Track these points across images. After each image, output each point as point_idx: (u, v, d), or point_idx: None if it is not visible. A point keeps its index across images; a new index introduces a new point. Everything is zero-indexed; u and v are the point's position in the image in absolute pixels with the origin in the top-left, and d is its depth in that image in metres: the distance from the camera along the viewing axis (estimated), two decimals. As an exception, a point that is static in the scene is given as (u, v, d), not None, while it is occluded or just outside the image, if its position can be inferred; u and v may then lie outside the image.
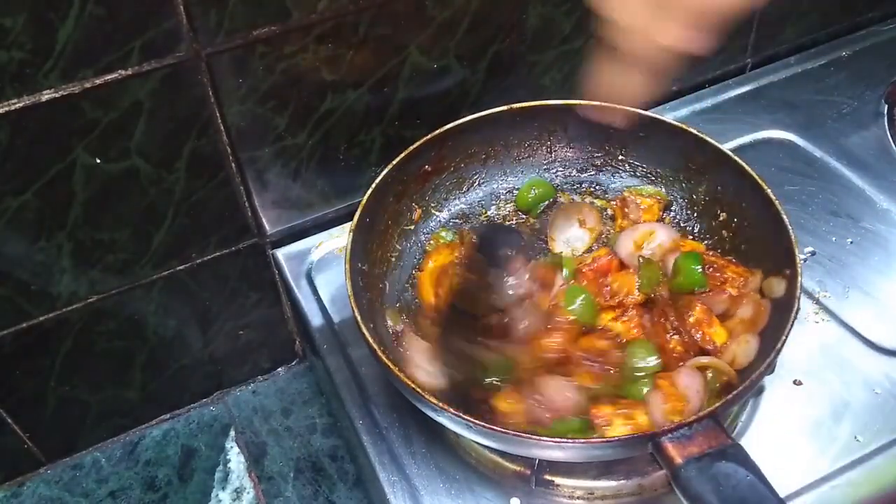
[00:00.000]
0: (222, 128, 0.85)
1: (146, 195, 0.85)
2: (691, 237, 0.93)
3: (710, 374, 0.76)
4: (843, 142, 1.08)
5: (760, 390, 0.84)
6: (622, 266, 0.89)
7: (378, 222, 0.90)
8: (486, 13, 0.91)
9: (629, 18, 0.66)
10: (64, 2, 0.69)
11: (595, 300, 0.84)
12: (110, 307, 0.92)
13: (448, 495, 0.79)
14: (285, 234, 1.00)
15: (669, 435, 0.66)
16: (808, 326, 0.89)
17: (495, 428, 0.68)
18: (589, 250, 0.94)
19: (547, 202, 0.97)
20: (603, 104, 0.84)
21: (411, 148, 0.90)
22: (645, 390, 0.76)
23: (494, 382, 0.77)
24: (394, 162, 0.89)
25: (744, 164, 0.85)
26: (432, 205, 0.97)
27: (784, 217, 0.80)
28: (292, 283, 0.98)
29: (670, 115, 1.12)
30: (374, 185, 0.86)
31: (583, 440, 0.69)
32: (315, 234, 1.02)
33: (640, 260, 0.86)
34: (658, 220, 0.93)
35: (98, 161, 0.80)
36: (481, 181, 0.99)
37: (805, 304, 0.90)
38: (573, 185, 1.00)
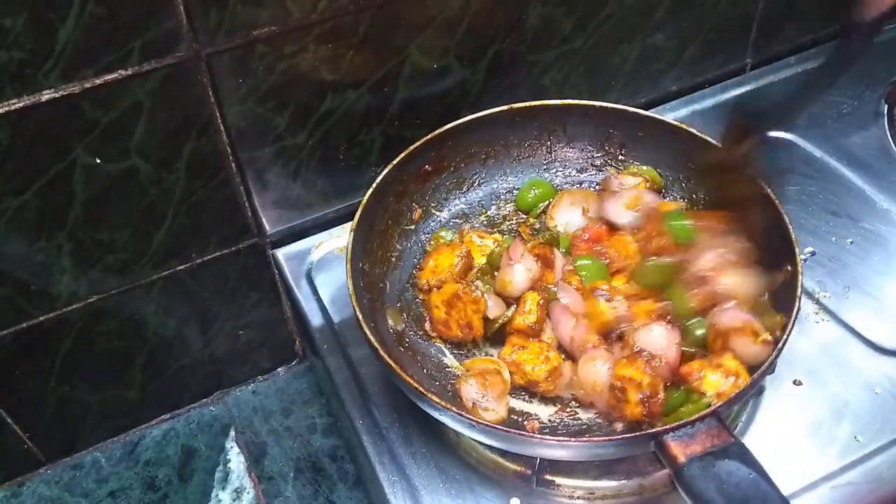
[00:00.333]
0: (222, 128, 0.85)
1: (146, 195, 0.85)
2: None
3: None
4: (843, 142, 1.09)
5: (761, 390, 0.84)
6: (612, 231, 0.90)
7: (378, 222, 0.90)
8: (486, 13, 0.91)
9: None
10: (64, 2, 0.69)
11: (605, 263, 0.87)
12: (110, 307, 0.92)
13: (448, 495, 0.79)
14: (285, 234, 1.00)
15: (672, 433, 0.67)
16: (808, 326, 0.89)
17: (497, 427, 0.68)
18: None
19: (547, 202, 0.97)
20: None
21: (411, 148, 0.90)
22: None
23: None
24: (394, 162, 0.89)
25: (744, 164, 0.85)
26: (432, 205, 0.97)
27: (784, 217, 0.80)
28: (292, 283, 0.98)
29: (670, 115, 1.12)
30: (374, 185, 0.86)
31: (585, 439, 0.69)
32: (315, 234, 1.02)
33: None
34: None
35: (98, 161, 0.79)
36: (481, 181, 1.00)
37: (805, 304, 0.90)
38: (573, 185, 1.00)
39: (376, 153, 0.97)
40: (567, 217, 0.95)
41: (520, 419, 0.80)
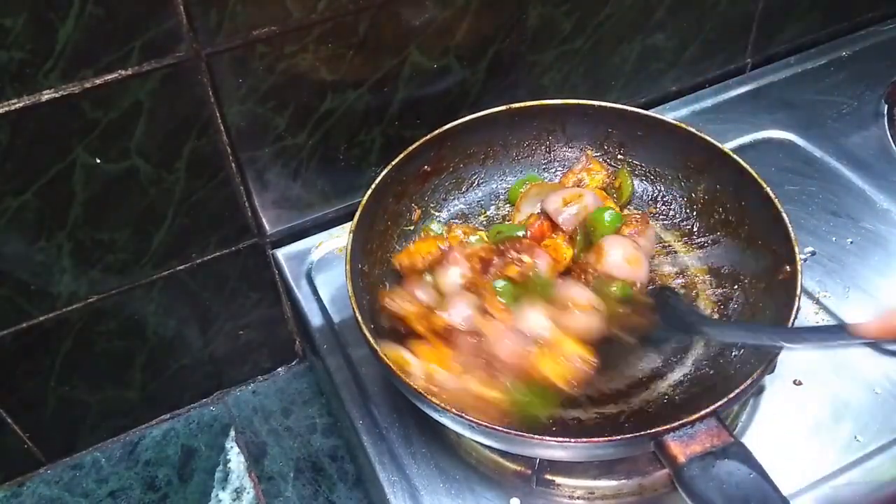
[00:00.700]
0: (222, 128, 0.85)
1: (146, 195, 0.85)
2: (690, 237, 0.93)
3: None
4: (843, 142, 1.08)
5: (760, 390, 0.84)
6: (554, 228, 0.89)
7: (378, 222, 0.90)
8: (486, 13, 0.91)
9: None
10: (64, 2, 0.69)
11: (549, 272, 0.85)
12: (110, 307, 0.92)
13: (448, 495, 0.79)
14: (285, 234, 1.00)
15: (672, 434, 0.66)
16: (809, 326, 0.89)
17: (497, 427, 0.68)
18: None
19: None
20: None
21: (411, 148, 0.90)
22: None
23: None
24: (393, 162, 0.89)
25: (744, 164, 0.85)
26: (432, 205, 0.97)
27: (784, 217, 0.80)
28: (292, 283, 0.98)
29: (670, 114, 1.12)
30: (373, 186, 0.86)
31: (585, 439, 0.69)
32: (315, 234, 1.02)
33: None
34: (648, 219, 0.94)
35: (98, 161, 0.80)
36: (480, 181, 1.00)
37: (805, 304, 0.90)
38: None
39: (376, 153, 0.97)
40: (531, 209, 0.94)
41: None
